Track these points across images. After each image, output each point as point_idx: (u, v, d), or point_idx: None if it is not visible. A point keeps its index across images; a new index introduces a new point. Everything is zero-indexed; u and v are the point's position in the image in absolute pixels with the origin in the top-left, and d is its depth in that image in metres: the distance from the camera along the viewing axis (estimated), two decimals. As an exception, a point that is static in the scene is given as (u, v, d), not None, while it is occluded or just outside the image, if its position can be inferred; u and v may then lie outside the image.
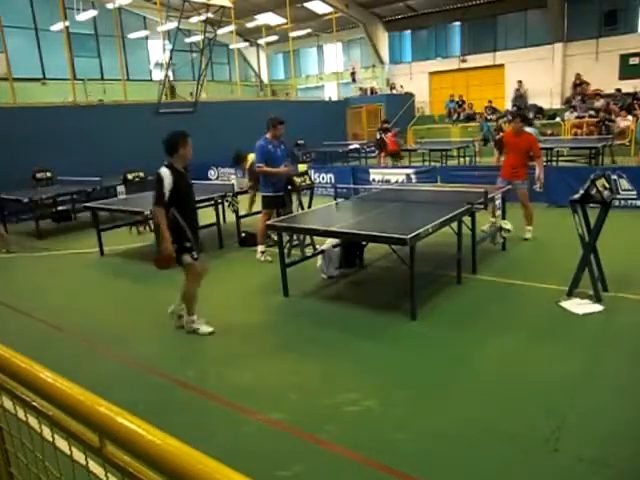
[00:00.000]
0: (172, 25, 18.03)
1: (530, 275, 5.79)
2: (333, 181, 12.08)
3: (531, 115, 20.13)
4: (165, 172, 4.45)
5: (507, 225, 6.62)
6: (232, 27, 20.52)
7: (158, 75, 20.83)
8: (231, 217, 8.32)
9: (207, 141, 15.47)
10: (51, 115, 12.63)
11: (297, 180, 7.03)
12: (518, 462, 2.79)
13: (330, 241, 6.08)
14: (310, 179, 7.44)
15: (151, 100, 15.32)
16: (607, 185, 4.99)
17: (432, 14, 24.32)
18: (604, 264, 5.11)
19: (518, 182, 7.13)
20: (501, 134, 14.30)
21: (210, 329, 4.75)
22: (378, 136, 15.99)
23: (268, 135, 6.95)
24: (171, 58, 16.46)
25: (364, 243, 6.33)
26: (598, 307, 4.75)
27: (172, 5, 16.72)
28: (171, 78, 17.84)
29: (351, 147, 18.53)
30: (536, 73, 21.44)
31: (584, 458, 2.78)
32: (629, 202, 8.92)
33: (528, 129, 12.22)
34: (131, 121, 14.18)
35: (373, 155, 17.49)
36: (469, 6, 23.16)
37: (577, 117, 18.93)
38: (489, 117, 20.25)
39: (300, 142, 16.72)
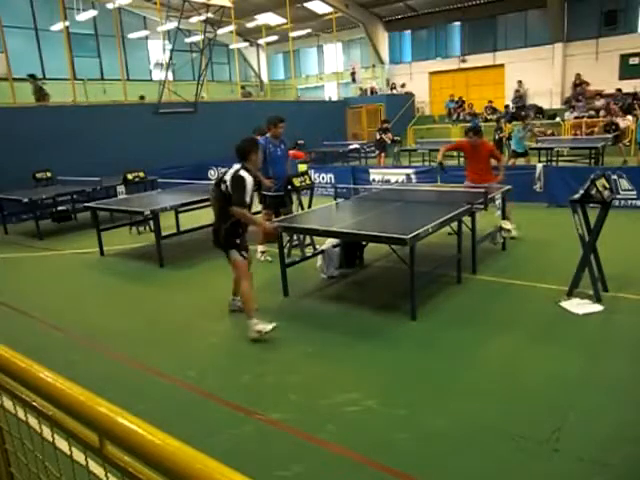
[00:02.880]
0: (172, 25, 18.04)
1: (530, 275, 5.79)
2: (333, 181, 12.08)
3: (531, 115, 20.16)
4: (248, 177, 4.53)
5: (507, 225, 6.64)
6: (232, 27, 20.51)
7: (158, 75, 20.83)
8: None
9: (207, 141, 15.51)
10: (51, 115, 12.63)
11: (297, 180, 7.03)
12: (518, 462, 2.80)
13: (330, 241, 6.08)
14: (310, 179, 7.44)
15: (151, 100, 15.33)
16: (607, 185, 4.99)
17: (432, 14, 24.31)
18: (604, 264, 5.11)
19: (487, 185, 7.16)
20: (502, 134, 14.35)
21: (273, 324, 4.56)
22: (378, 136, 16.02)
23: (269, 134, 6.96)
24: (171, 58, 16.46)
25: (364, 243, 6.33)
26: (598, 307, 4.75)
27: (172, 5, 16.74)
28: (170, 78, 17.81)
29: (351, 147, 18.53)
30: (536, 73, 21.45)
31: (584, 458, 2.78)
32: (629, 202, 8.92)
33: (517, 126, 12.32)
34: (131, 121, 14.19)
35: (373, 155, 17.50)
36: (469, 6, 23.16)
37: (577, 117, 18.95)
38: (489, 117, 20.26)
39: (300, 142, 16.72)
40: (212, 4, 15.41)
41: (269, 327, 4.50)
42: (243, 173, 4.54)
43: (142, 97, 16.98)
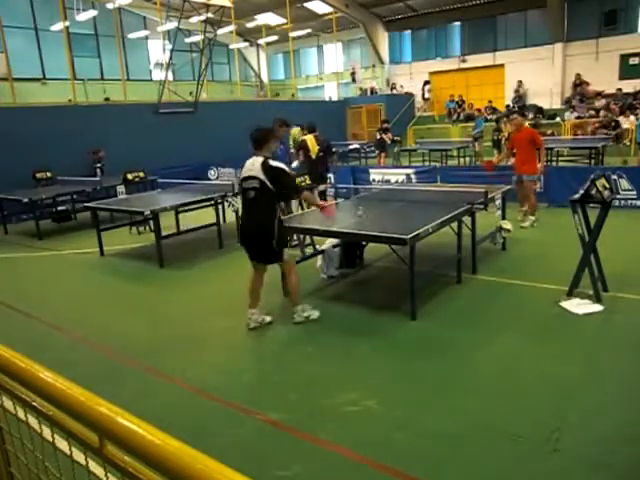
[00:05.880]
0: (172, 25, 18.02)
1: (530, 275, 5.78)
2: (333, 181, 12.07)
3: (531, 115, 20.15)
4: (280, 163, 4.62)
5: (507, 225, 6.62)
6: (232, 27, 20.51)
7: (158, 75, 20.83)
8: (231, 217, 8.31)
9: (207, 141, 15.52)
10: (51, 115, 12.63)
11: (297, 180, 7.03)
12: (518, 462, 2.79)
13: (330, 241, 6.08)
14: (311, 179, 7.45)
15: (151, 100, 15.33)
16: (607, 185, 4.99)
17: (432, 14, 24.30)
18: (604, 264, 5.11)
19: (526, 175, 7.70)
20: (500, 135, 14.33)
21: (317, 312, 4.91)
22: (378, 136, 16.01)
23: None
24: (171, 58, 16.46)
25: (364, 243, 6.33)
26: (598, 307, 4.75)
27: (172, 5, 16.72)
28: (170, 78, 17.81)
29: (351, 147, 18.52)
30: (536, 73, 21.44)
31: (584, 458, 2.78)
32: (629, 202, 8.92)
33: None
34: (131, 121, 14.19)
35: (373, 155, 17.50)
36: (469, 6, 23.15)
37: (577, 117, 18.94)
38: (489, 117, 20.24)
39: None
40: (212, 4, 15.41)
41: (316, 314, 4.87)
42: (275, 163, 4.54)
43: (107, 99, 16.99)
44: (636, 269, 5.75)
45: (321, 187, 7.60)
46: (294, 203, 7.22)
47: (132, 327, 5.11)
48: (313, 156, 8.21)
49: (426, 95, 24.59)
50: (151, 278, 6.78)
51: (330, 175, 8.09)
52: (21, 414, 1.44)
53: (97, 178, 11.27)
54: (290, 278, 4.89)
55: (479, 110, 21.06)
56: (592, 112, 18.77)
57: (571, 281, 4.99)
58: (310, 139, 8.19)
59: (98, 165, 12.47)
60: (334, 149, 9.38)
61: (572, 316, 4.63)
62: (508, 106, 21.11)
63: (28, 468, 1.55)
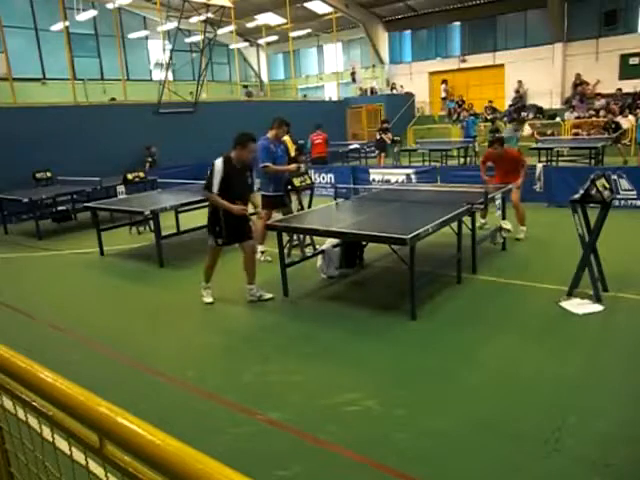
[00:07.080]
0: (172, 25, 18.06)
1: (530, 275, 5.79)
2: (333, 181, 12.08)
3: (531, 115, 20.17)
4: (218, 163, 5.18)
5: (507, 225, 6.63)
6: (232, 27, 20.52)
7: (158, 75, 20.84)
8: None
9: (207, 141, 15.50)
10: (51, 115, 12.63)
11: (297, 180, 7.03)
12: (518, 462, 2.79)
13: (330, 241, 6.08)
14: (310, 179, 7.44)
15: (151, 100, 15.33)
16: (607, 185, 4.99)
17: (432, 14, 24.30)
18: (604, 264, 5.11)
19: (511, 185, 7.28)
20: (496, 136, 14.30)
21: (210, 299, 5.45)
22: (378, 136, 16.01)
23: (269, 134, 6.98)
24: (171, 58, 16.46)
25: (364, 243, 6.33)
26: (598, 307, 4.75)
27: (172, 5, 16.75)
28: (170, 78, 17.80)
29: (351, 147, 18.52)
30: (536, 73, 21.44)
31: (584, 458, 2.78)
32: (629, 202, 8.92)
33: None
34: (131, 121, 14.19)
35: (373, 155, 17.50)
36: (469, 6, 23.15)
37: (577, 117, 18.94)
38: (489, 117, 20.24)
39: (300, 142, 16.69)
40: (212, 4, 15.41)
41: (208, 300, 5.43)
42: (217, 160, 5.16)
43: (113, 99, 17.08)
44: (636, 269, 5.75)
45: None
46: (294, 203, 7.21)
47: (132, 327, 5.11)
48: (292, 154, 8.33)
49: (443, 95, 24.59)
50: (151, 278, 6.78)
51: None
52: (21, 414, 1.44)
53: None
54: (205, 263, 5.51)
55: (467, 109, 21.17)
56: (592, 112, 18.78)
57: (571, 281, 4.99)
58: (287, 139, 8.26)
59: (149, 159, 14.01)
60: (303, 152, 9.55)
61: (572, 316, 4.63)
62: (511, 106, 21.10)
63: (28, 468, 1.55)
